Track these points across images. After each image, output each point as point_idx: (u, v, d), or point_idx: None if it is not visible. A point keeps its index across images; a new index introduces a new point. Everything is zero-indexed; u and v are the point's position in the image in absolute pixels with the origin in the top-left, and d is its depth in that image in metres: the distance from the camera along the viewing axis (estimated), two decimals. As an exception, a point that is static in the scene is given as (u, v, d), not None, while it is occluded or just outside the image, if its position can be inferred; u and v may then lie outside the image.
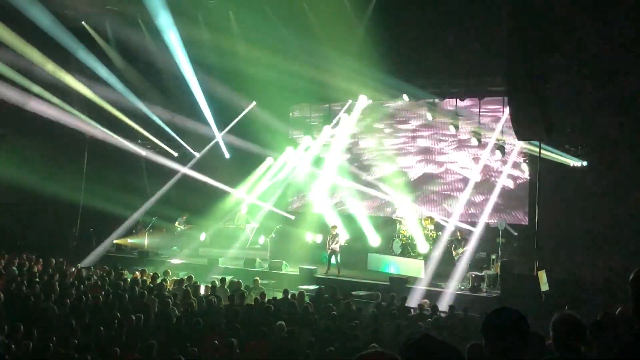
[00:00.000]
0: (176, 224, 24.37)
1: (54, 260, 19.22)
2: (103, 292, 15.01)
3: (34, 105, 21.54)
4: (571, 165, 19.31)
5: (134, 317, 12.52)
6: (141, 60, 23.92)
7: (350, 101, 23.62)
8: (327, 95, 23.84)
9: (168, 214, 24.21)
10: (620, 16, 17.47)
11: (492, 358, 3.47)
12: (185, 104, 23.85)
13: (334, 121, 24.03)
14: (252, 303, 14.39)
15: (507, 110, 17.40)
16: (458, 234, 19.71)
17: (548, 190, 18.65)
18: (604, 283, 16.37)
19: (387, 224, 22.36)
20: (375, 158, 24.09)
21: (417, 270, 19.48)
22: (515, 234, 19.81)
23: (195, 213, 24.22)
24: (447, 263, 19.59)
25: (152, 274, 18.00)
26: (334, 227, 20.93)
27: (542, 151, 18.05)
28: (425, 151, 23.09)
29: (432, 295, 16.83)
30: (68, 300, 13.75)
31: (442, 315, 13.83)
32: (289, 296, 15.31)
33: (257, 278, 17.64)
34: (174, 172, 25.65)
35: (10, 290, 14.86)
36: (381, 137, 23.82)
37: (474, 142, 21.17)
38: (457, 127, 21.48)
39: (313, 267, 20.23)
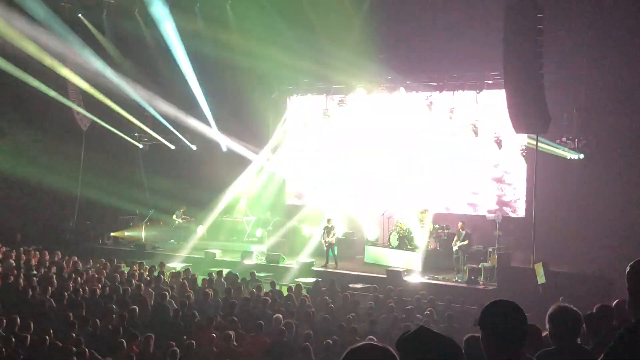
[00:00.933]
0: (174, 216, 24.34)
1: (47, 253, 19.21)
2: (100, 285, 15.01)
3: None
4: (568, 158, 19.32)
5: (131, 310, 12.53)
6: (138, 52, 23.88)
7: (347, 93, 23.53)
8: (324, 88, 23.83)
9: (166, 207, 24.21)
10: (619, 7, 17.46)
11: (489, 350, 3.48)
12: (182, 96, 23.78)
13: (331, 113, 23.93)
14: (249, 296, 14.40)
15: (504, 103, 17.39)
16: (459, 225, 19.74)
17: (545, 183, 18.67)
18: (600, 275, 16.40)
19: (384, 217, 22.36)
20: (373, 150, 24.04)
21: (415, 262, 19.49)
22: (511, 226, 19.88)
23: (195, 206, 24.21)
24: (444, 255, 19.63)
25: (149, 266, 18.02)
26: (329, 220, 20.95)
27: (539, 144, 18.05)
28: (422, 144, 23.04)
29: (430, 288, 16.86)
30: (65, 293, 13.74)
31: (439, 307, 13.85)
32: (280, 288, 15.43)
33: (254, 271, 17.66)
34: (171, 165, 25.59)
35: (7, 283, 14.86)
36: (378, 130, 23.76)
37: (472, 135, 21.15)
38: (454, 120, 21.47)
39: (310, 260, 20.25)
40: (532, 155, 19.11)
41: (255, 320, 11.78)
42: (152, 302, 14.00)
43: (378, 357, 2.59)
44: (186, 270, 17.40)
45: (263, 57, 21.42)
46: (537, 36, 15.70)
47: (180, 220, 24.29)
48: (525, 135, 19.70)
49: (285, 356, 10.59)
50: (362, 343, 2.66)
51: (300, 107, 25.22)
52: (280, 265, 20.40)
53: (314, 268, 19.80)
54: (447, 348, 2.93)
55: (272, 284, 15.77)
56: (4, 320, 11.13)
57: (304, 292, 15.25)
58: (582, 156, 19.13)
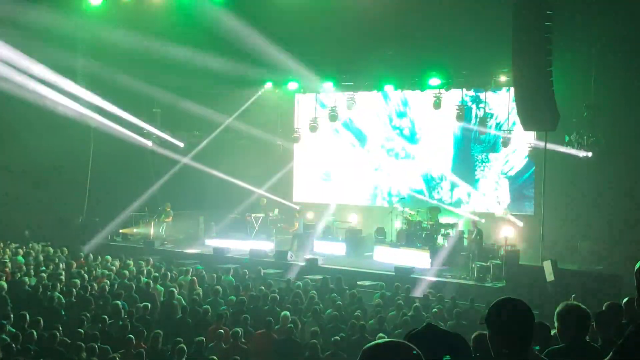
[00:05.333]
0: (162, 217, 24.11)
1: (58, 250, 19.27)
2: (109, 282, 15.06)
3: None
4: (577, 155, 19.26)
5: (140, 307, 12.58)
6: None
7: (356, 91, 23.48)
8: (333, 85, 23.75)
9: (176, 204, 24.26)
10: (629, 3, 17.38)
11: (497, 348, 3.48)
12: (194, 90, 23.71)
13: (340, 110, 23.87)
14: (257, 293, 14.41)
15: (513, 101, 17.36)
16: (472, 224, 19.74)
17: (554, 181, 18.63)
18: (609, 273, 16.35)
19: (394, 214, 22.33)
20: (381, 147, 24.07)
21: (423, 260, 19.46)
22: (520, 224, 19.85)
23: (201, 202, 24.20)
24: (453, 253, 19.59)
25: (158, 263, 18.06)
26: (299, 211, 22.06)
27: (548, 141, 18.01)
28: (430, 142, 23.05)
29: (438, 286, 16.84)
30: (74, 290, 13.81)
31: (448, 305, 13.84)
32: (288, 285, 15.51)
33: (260, 268, 17.69)
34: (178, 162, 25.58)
35: (16, 279, 14.93)
36: (386, 127, 23.81)
37: (480, 133, 21.11)
38: (462, 119, 21.42)
39: (319, 257, 20.21)
40: (540, 153, 19.08)
41: (264, 318, 11.81)
42: (161, 299, 14.06)
43: (402, 353, 2.57)
44: (195, 267, 17.43)
45: (271, 54, 21.35)
46: (546, 33, 15.65)
47: (168, 219, 24.07)
48: (534, 133, 19.68)
49: (293, 353, 10.63)
50: (386, 340, 2.65)
51: (308, 104, 25.18)
52: (288, 262, 20.38)
53: (321, 265, 19.76)
54: (455, 344, 2.94)
55: (288, 282, 15.81)
56: (12, 317, 11.21)
57: (311, 289, 15.25)
58: (590, 154, 19.07)
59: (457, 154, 22.63)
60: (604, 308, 6.25)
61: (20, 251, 18.80)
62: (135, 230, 24.16)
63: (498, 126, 21.14)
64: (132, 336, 10.38)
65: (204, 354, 10.09)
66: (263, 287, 14.90)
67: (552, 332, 5.29)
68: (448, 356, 3.49)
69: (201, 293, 14.35)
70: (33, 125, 22.88)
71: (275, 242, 22.25)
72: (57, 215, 24.08)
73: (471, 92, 21.89)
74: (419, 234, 20.53)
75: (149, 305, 12.75)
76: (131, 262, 18.07)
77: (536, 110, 16.21)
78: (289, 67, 21.85)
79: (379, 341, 2.62)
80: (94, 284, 14.72)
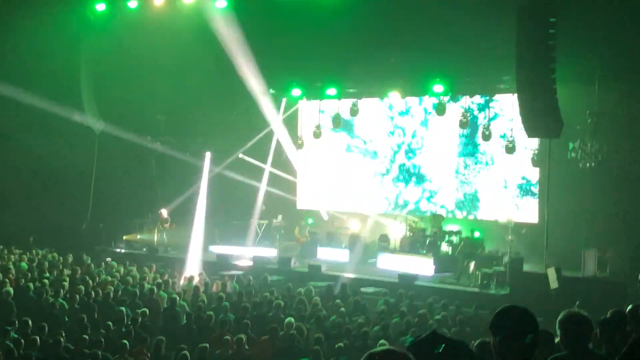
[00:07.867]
0: (158, 224, 23.94)
1: (59, 256, 19.28)
2: (112, 288, 15.06)
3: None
4: (581, 162, 19.24)
5: (143, 313, 12.58)
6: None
7: (360, 98, 23.46)
8: (336, 92, 23.73)
9: (177, 210, 24.24)
10: (633, 10, 17.37)
11: (501, 356, 3.47)
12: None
13: (343, 118, 23.88)
14: (261, 300, 14.41)
15: (517, 107, 17.35)
16: (462, 231, 19.83)
17: (558, 188, 18.60)
18: (614, 281, 16.32)
19: (397, 221, 22.33)
20: (385, 154, 24.07)
21: (427, 267, 19.45)
22: (523, 231, 19.82)
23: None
24: (456, 260, 19.57)
25: (161, 270, 18.05)
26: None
27: (551, 148, 17.99)
28: (433, 148, 23.04)
29: (441, 292, 16.81)
30: (77, 296, 13.81)
31: (451, 312, 13.82)
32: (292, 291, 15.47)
33: (266, 275, 17.67)
34: (183, 168, 25.52)
35: (20, 286, 14.94)
36: (390, 134, 23.83)
37: (484, 139, 21.10)
38: (466, 125, 21.42)
39: (322, 264, 20.21)
40: (544, 160, 19.06)
41: (267, 324, 11.81)
42: (165, 305, 14.06)
43: None
44: (199, 274, 17.43)
45: (274, 60, 21.38)
46: (549, 41, 15.66)
47: (166, 226, 23.81)
48: (537, 140, 19.67)
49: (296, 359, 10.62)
50: (382, 348, 2.66)
51: (312, 111, 25.16)
52: (292, 268, 20.37)
53: (325, 271, 19.75)
54: (459, 351, 2.94)
55: (288, 289, 15.80)
56: (17, 323, 11.22)
57: (315, 295, 15.23)
58: (594, 161, 19.04)
59: (460, 160, 22.60)
60: (607, 316, 6.22)
61: (25, 257, 18.83)
62: (138, 236, 24.15)
63: (502, 133, 21.12)
64: (135, 343, 10.38)
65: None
66: (268, 294, 14.89)
67: (557, 340, 5.28)
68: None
69: (205, 300, 14.34)
70: (37, 130, 22.93)
71: (279, 248, 22.23)
72: (61, 222, 24.10)
73: (475, 99, 21.88)
74: (422, 241, 20.53)
75: (153, 312, 12.77)
76: (134, 269, 18.10)
77: (540, 117, 16.21)
78: (292, 74, 21.95)
79: (381, 349, 2.63)
80: (98, 290, 14.73)
